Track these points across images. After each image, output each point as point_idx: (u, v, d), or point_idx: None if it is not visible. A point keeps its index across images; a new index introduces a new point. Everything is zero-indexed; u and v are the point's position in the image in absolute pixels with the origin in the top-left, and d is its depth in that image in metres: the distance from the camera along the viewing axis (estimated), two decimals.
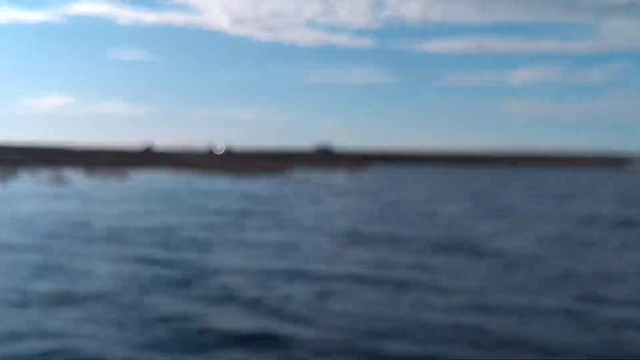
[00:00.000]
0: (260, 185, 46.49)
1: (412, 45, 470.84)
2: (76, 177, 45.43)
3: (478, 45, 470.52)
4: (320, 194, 38.85)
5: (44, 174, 45.48)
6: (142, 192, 33.21)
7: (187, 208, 25.47)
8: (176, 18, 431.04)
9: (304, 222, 22.08)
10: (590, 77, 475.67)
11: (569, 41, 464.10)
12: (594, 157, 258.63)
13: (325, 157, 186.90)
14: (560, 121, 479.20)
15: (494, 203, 33.41)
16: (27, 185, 36.23)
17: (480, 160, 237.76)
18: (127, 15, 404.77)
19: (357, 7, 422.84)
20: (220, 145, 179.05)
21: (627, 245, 17.95)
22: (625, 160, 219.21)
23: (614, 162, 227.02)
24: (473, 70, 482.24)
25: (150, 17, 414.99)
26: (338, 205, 29.99)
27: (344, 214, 25.48)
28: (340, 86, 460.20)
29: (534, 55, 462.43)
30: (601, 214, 28.85)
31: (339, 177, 75.47)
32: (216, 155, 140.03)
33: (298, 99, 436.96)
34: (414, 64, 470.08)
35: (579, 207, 33.24)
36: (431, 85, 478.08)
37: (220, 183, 48.77)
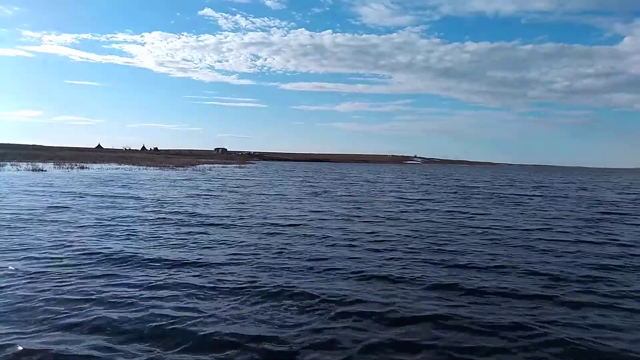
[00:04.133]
0: (172, 172, 46.60)
1: (276, 84, 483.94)
2: (48, 168, 43.34)
3: (317, 86, 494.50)
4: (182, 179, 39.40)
5: (23, 165, 42.82)
6: (83, 178, 32.74)
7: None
8: (116, 59, 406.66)
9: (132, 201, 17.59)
10: (385, 108, 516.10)
11: (373, 86, 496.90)
12: (389, 157, 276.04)
13: (222, 155, 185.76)
14: (368, 135, 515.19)
15: (309, 184, 35.83)
16: (11, 172, 34.64)
17: (319, 159, 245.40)
18: (79, 54, 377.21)
19: (240, 59, 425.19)
20: (150, 146, 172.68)
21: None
22: (406, 158, 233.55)
23: (400, 159, 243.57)
24: (314, 101, 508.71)
25: (96, 57, 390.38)
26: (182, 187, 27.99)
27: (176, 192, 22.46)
28: (232, 109, 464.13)
29: (352, 94, 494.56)
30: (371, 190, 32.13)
31: (230, 167, 76.55)
32: (147, 153, 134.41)
33: (203, 116, 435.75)
34: (278, 97, 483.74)
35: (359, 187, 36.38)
36: (288, 110, 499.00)
37: (146, 172, 48.08)
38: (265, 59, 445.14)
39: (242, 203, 18.70)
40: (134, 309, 5.73)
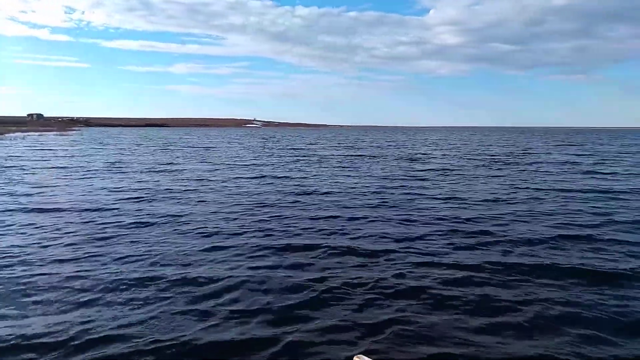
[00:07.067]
0: None
1: (99, 42, 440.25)
2: None
3: (147, 45, 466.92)
4: None
5: None
6: None
7: None
8: None
9: None
10: (222, 70, 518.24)
11: (207, 47, 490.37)
12: (230, 120, 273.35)
13: (38, 122, 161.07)
14: (205, 98, 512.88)
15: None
16: None
17: (155, 124, 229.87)
18: None
19: (52, 10, 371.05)
20: None
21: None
22: (247, 122, 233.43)
23: (241, 123, 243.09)
24: (145, 62, 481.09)
25: None
26: None
27: None
28: (46, 68, 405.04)
29: (185, 55, 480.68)
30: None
31: (48, 136, 66.97)
32: None
33: (9, 76, 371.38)
34: (101, 55, 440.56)
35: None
36: (115, 71, 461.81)
37: None
38: (84, 12, 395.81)
39: (52, 179, 16.50)
40: None
